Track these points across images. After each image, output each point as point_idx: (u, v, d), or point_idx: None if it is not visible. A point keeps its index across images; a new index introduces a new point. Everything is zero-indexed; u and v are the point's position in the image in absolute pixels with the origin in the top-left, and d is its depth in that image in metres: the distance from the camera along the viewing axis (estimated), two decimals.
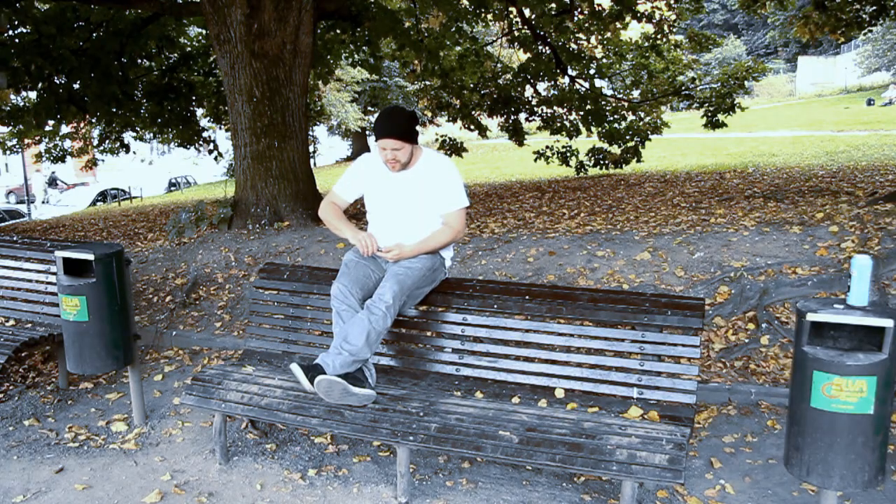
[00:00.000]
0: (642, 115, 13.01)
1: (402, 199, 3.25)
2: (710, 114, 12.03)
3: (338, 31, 10.22)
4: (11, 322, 4.42)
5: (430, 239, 3.24)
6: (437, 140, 13.43)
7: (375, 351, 3.28)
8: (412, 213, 3.24)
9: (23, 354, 4.57)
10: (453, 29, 11.01)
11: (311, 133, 19.17)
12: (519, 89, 12.64)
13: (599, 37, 11.94)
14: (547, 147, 13.51)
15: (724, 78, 12.01)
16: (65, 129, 12.98)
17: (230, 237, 6.67)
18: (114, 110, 10.71)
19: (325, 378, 2.91)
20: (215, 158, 13.78)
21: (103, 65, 9.62)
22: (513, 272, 5.18)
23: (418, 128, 3.25)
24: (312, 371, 2.97)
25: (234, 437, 3.54)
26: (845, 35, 9.24)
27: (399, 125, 3.14)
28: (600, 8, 10.83)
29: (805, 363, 2.22)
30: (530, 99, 12.88)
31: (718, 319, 4.38)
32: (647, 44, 12.10)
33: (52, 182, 29.00)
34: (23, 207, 24.48)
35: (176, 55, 11.62)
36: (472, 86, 12.29)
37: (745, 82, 12.02)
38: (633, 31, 12.70)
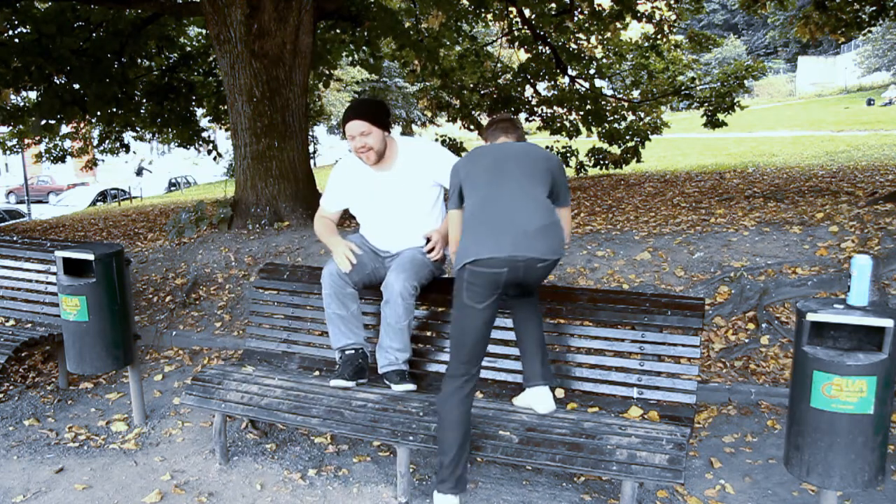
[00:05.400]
0: (642, 115, 13.02)
1: (390, 200, 3.20)
2: (709, 113, 12.06)
3: (338, 31, 10.21)
4: (11, 322, 4.43)
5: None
6: (436, 140, 13.43)
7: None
8: (403, 214, 3.20)
9: (23, 354, 4.58)
10: (453, 29, 11.01)
11: (311, 133, 19.17)
12: (519, 89, 12.64)
13: (599, 37, 11.95)
14: (547, 147, 13.50)
15: (724, 77, 12.04)
16: (65, 129, 12.97)
17: (230, 237, 6.67)
18: (114, 110, 10.71)
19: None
20: (215, 158, 13.76)
21: (103, 65, 9.61)
22: None
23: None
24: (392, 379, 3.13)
25: (234, 437, 3.54)
26: (845, 35, 9.24)
27: (364, 109, 3.10)
28: (600, 8, 10.83)
29: (805, 363, 2.22)
30: (530, 99, 12.88)
31: (718, 319, 4.38)
32: (647, 44, 12.11)
33: (140, 172, 28.17)
34: (22, 207, 24.47)
35: (176, 55, 11.61)
36: (471, 86, 12.29)
37: (745, 81, 12.05)
38: (633, 31, 12.71)
